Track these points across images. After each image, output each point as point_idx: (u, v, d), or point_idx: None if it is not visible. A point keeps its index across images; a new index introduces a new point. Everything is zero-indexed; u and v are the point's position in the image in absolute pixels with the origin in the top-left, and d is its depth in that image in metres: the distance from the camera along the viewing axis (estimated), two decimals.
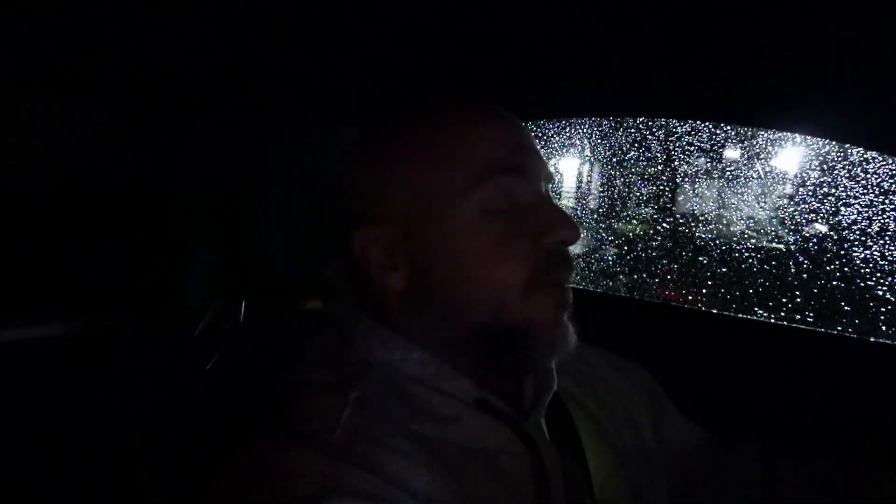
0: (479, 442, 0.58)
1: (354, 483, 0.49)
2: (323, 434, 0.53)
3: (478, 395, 0.60)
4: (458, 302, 0.60)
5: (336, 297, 0.68)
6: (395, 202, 0.62)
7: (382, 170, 0.63)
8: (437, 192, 0.60)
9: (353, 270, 0.65)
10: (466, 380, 0.61)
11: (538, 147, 0.65)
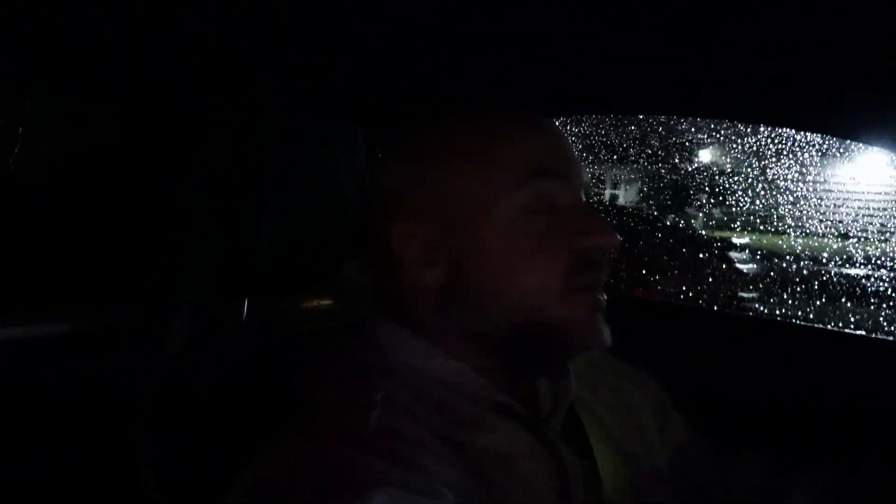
0: (501, 445, 0.59)
1: (396, 475, 0.48)
2: (356, 430, 0.53)
3: (498, 398, 0.61)
4: (495, 301, 0.60)
5: (353, 297, 0.68)
6: (434, 199, 0.62)
7: (422, 167, 0.64)
8: (479, 192, 0.61)
9: (384, 266, 0.65)
10: (487, 383, 0.61)
11: (575, 153, 0.66)
